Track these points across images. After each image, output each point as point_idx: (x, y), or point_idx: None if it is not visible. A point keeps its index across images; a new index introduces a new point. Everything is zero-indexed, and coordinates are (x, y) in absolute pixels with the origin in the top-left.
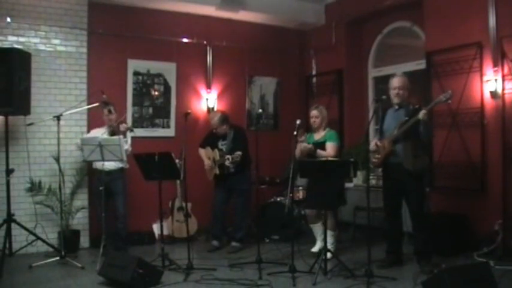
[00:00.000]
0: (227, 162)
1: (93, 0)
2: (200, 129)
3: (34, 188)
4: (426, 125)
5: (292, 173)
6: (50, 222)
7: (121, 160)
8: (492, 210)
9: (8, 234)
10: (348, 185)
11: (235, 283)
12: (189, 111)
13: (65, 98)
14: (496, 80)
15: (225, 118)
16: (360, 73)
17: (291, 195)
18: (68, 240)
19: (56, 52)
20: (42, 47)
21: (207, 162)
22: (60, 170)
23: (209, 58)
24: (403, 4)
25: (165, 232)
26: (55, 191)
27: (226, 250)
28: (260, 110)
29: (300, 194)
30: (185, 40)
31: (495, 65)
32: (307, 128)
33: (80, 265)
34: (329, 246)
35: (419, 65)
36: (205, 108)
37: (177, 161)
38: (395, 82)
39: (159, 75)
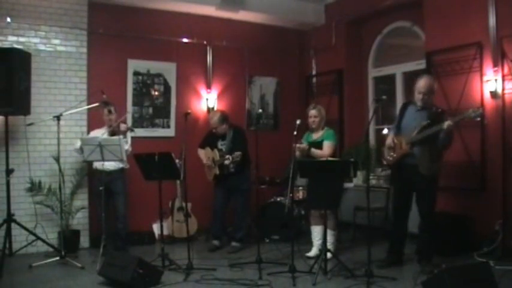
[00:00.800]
0: (227, 162)
1: (93, 0)
2: (200, 129)
3: (34, 188)
4: (448, 135)
5: (292, 173)
6: (50, 222)
7: (121, 160)
8: (492, 210)
9: (8, 234)
10: (348, 185)
11: (235, 283)
12: (189, 111)
13: (65, 98)
14: (496, 80)
15: (224, 118)
16: (360, 73)
17: (291, 195)
18: (68, 240)
19: (56, 52)
20: (42, 47)
21: (206, 162)
22: (60, 170)
23: (209, 58)
24: (403, 4)
25: (165, 232)
26: (55, 191)
27: (226, 250)
28: (260, 110)
29: (300, 194)
30: (185, 40)
31: (495, 65)
32: (306, 128)
33: (80, 265)
34: (329, 245)
35: (419, 65)
36: (205, 108)
37: (177, 161)
38: (421, 87)
39: (159, 75)
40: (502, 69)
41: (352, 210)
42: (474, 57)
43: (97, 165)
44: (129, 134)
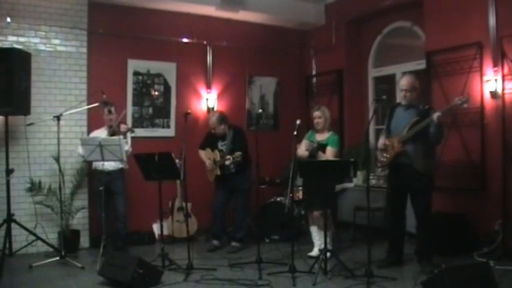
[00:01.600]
0: (227, 162)
1: (93, 0)
2: (200, 129)
3: (34, 188)
4: (439, 127)
5: (292, 173)
6: (50, 222)
7: (121, 160)
8: (492, 210)
9: (8, 234)
10: (348, 185)
11: (235, 283)
12: (189, 111)
13: (65, 98)
14: (496, 80)
15: (223, 118)
16: (360, 73)
17: (291, 195)
18: (68, 240)
19: (56, 52)
20: (42, 47)
21: (208, 163)
22: (60, 170)
23: (209, 58)
24: (403, 4)
25: (165, 232)
26: (55, 191)
27: (226, 250)
28: (260, 110)
29: (300, 194)
30: (185, 40)
31: (495, 65)
32: (307, 128)
33: (80, 265)
34: (330, 244)
35: (419, 65)
36: (205, 108)
37: (177, 161)
38: (403, 84)
39: (159, 75)
40: (502, 69)
41: (352, 210)
42: (474, 57)
43: (96, 165)
44: (129, 135)
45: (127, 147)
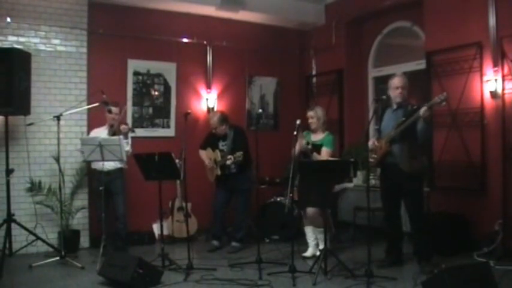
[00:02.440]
0: (228, 162)
1: (93, 0)
2: (200, 129)
3: (34, 188)
4: (427, 123)
5: (292, 173)
6: (50, 222)
7: (121, 160)
8: (492, 210)
9: (8, 234)
10: (348, 185)
11: (235, 283)
12: (189, 111)
13: (65, 98)
14: (496, 80)
15: (224, 118)
16: (360, 73)
17: (291, 195)
18: (68, 240)
19: (56, 52)
20: (42, 47)
21: (208, 163)
22: (60, 170)
23: (209, 58)
24: (403, 4)
25: (165, 232)
26: (55, 191)
27: (226, 250)
28: (260, 110)
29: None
30: (185, 40)
31: (495, 65)
32: (305, 128)
33: (80, 265)
34: (321, 244)
35: (419, 65)
36: (205, 108)
37: (177, 161)
38: (397, 81)
39: (159, 75)
40: (502, 69)
41: (352, 210)
42: (474, 57)
43: (96, 165)
44: (130, 135)
45: (128, 147)
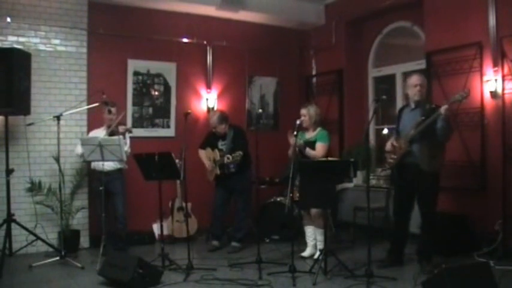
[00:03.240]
0: (227, 161)
1: (93, 0)
2: (200, 129)
3: (34, 188)
4: (447, 121)
5: (292, 173)
6: (50, 222)
7: (121, 160)
8: (492, 210)
9: (8, 234)
10: (348, 185)
11: (235, 283)
12: (189, 111)
13: (65, 98)
14: (496, 80)
15: (224, 117)
16: (360, 73)
17: (291, 195)
18: (68, 240)
19: (56, 52)
20: (42, 47)
21: (207, 164)
22: (60, 170)
23: (209, 58)
24: (403, 4)
25: (165, 232)
26: (55, 191)
27: (226, 250)
28: (260, 110)
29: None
30: (185, 40)
31: (495, 65)
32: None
33: (80, 265)
34: (319, 244)
35: (419, 65)
36: (205, 108)
37: (177, 161)
38: (415, 79)
39: (159, 75)
40: (502, 69)
41: (352, 210)
42: (474, 57)
43: (95, 165)
44: (128, 135)
45: (126, 147)
